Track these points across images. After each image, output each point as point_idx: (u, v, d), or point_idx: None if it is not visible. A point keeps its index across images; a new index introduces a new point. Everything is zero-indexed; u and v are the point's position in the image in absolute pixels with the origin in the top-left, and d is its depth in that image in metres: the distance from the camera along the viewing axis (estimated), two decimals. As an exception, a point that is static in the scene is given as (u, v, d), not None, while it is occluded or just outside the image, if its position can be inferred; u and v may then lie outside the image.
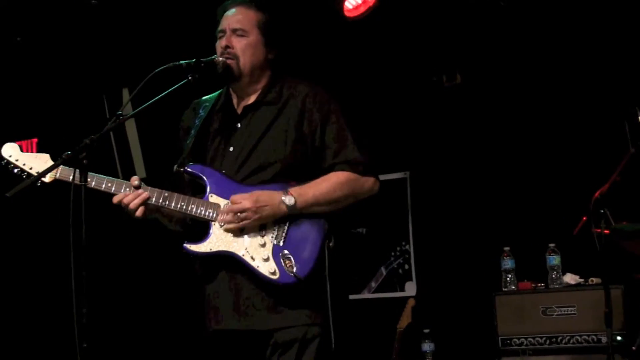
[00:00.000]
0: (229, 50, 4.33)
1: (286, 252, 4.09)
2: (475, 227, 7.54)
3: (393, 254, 8.13)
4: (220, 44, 4.37)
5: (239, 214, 4.08)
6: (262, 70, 4.43)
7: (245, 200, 4.08)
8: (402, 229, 8.10)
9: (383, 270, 8.15)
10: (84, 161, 3.65)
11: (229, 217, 4.11)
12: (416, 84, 7.92)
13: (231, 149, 4.33)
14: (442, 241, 7.75)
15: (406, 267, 8.05)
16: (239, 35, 4.36)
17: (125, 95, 8.59)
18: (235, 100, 4.48)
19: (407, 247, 8.06)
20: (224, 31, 4.39)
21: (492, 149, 7.57)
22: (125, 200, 4.16)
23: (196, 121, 4.49)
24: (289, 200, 4.08)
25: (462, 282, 7.53)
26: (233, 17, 4.41)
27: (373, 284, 8.17)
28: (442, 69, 7.78)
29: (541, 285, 6.68)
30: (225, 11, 4.46)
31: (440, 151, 7.82)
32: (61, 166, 4.11)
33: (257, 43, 4.39)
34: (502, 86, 7.56)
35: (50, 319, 8.57)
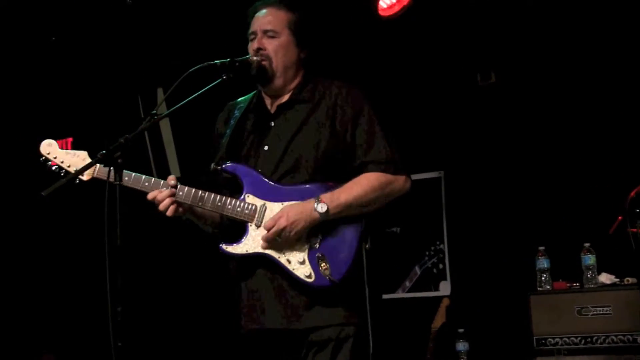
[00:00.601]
0: (261, 52, 4.33)
1: (322, 254, 4.08)
2: (510, 226, 7.51)
3: (427, 253, 8.10)
4: (252, 46, 4.37)
5: (277, 237, 4.09)
6: (294, 70, 4.43)
7: (279, 220, 4.07)
8: (437, 228, 8.08)
9: (417, 270, 8.13)
10: (119, 160, 3.66)
11: (269, 241, 4.13)
12: (450, 83, 7.88)
13: (266, 147, 4.33)
14: (476, 240, 7.72)
15: (440, 266, 8.03)
16: (270, 36, 4.36)
17: (160, 94, 8.62)
18: (268, 101, 4.48)
19: (441, 246, 8.04)
20: (255, 33, 4.39)
21: (526, 148, 7.53)
22: (159, 197, 4.17)
23: (231, 121, 4.50)
24: (321, 207, 4.06)
25: (496, 281, 7.50)
26: (263, 18, 4.41)
27: (407, 284, 8.15)
28: (477, 67, 7.73)
29: (576, 285, 6.64)
30: (255, 12, 4.46)
31: (475, 150, 7.79)
32: (99, 165, 4.13)
33: (288, 43, 4.39)
34: (536, 85, 7.52)
35: (86, 318, 8.60)
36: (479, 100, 7.75)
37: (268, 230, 4.08)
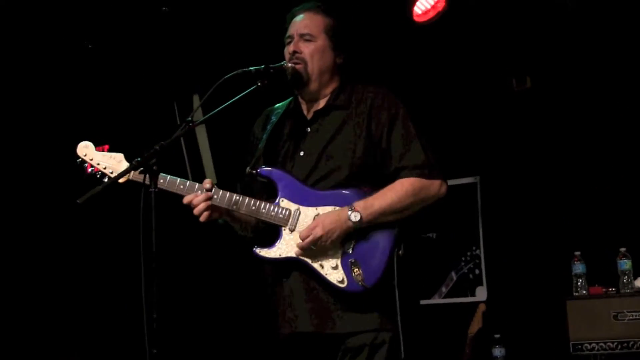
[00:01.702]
0: (297, 55, 4.34)
1: (355, 260, 4.07)
2: (545, 231, 7.46)
3: (463, 258, 8.07)
4: (288, 49, 4.38)
5: (312, 247, 4.09)
6: (330, 74, 4.43)
7: (314, 229, 4.07)
8: (473, 234, 8.04)
9: (453, 275, 8.10)
10: (154, 167, 3.65)
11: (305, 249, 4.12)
12: (486, 88, 7.84)
13: (302, 153, 4.33)
14: (512, 246, 7.67)
15: (477, 272, 7.99)
16: (306, 40, 4.37)
17: (196, 101, 8.64)
18: (304, 106, 4.48)
19: (477, 251, 8.00)
20: (291, 37, 4.41)
21: (562, 153, 7.48)
22: (195, 201, 4.18)
23: (268, 127, 4.51)
24: (354, 217, 4.05)
25: (532, 286, 7.45)
26: (301, 22, 4.42)
27: (444, 289, 8.12)
28: (512, 73, 7.70)
29: (612, 290, 6.57)
30: (293, 17, 4.48)
31: (511, 155, 7.74)
32: (133, 171, 4.13)
33: (324, 48, 4.39)
34: (572, 89, 7.46)
35: (121, 325, 8.63)
36: (515, 106, 7.71)
37: (303, 240, 4.07)
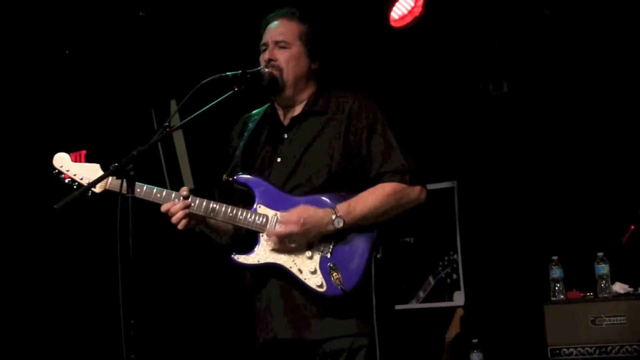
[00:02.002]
0: (272, 63, 4.35)
1: (333, 264, 4.08)
2: (523, 236, 7.49)
3: (441, 263, 8.09)
4: (264, 57, 4.40)
5: (286, 239, 4.09)
6: (306, 81, 4.44)
7: (292, 224, 4.07)
8: (450, 239, 8.07)
9: (431, 280, 8.12)
10: (131, 172, 3.66)
11: (275, 239, 4.12)
12: (463, 93, 7.87)
13: (279, 159, 4.34)
14: (490, 250, 7.70)
15: (454, 276, 8.01)
16: (281, 47, 4.38)
17: (173, 106, 8.63)
18: (281, 112, 4.49)
19: (455, 256, 8.02)
20: (266, 44, 4.42)
21: (539, 158, 7.51)
22: (173, 210, 4.18)
23: (245, 134, 4.52)
24: (337, 222, 4.06)
25: (510, 291, 7.48)
26: (275, 29, 4.43)
27: (421, 294, 8.14)
28: (489, 77, 7.72)
29: (590, 295, 6.60)
30: (267, 24, 4.50)
31: (488, 160, 7.77)
32: (111, 177, 4.13)
33: (299, 54, 4.40)
34: (548, 94, 7.50)
35: (98, 330, 8.60)
36: (492, 110, 7.74)
37: (281, 225, 4.08)
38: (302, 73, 4.41)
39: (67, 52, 8.01)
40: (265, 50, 4.42)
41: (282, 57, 4.37)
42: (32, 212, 8.57)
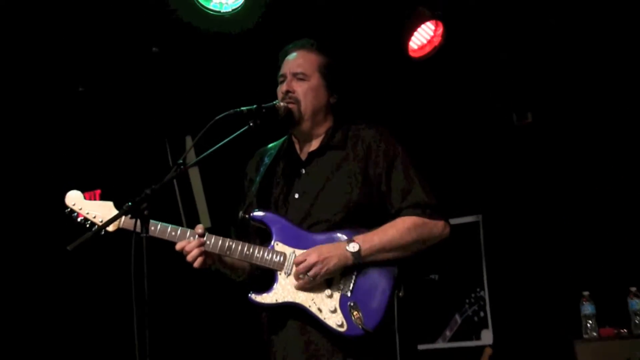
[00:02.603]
0: (290, 95, 4.36)
1: (354, 302, 4.07)
2: (552, 271, 7.45)
3: (467, 300, 8.05)
4: (281, 89, 4.41)
5: (307, 273, 4.08)
6: (324, 114, 4.46)
7: (309, 256, 4.07)
8: (476, 275, 8.03)
9: (458, 318, 8.08)
10: (145, 212, 3.66)
11: (299, 277, 4.11)
12: (486, 124, 7.87)
13: (296, 195, 4.35)
14: (518, 286, 7.65)
15: (481, 314, 7.97)
16: (299, 79, 4.40)
17: (188, 142, 8.67)
18: (298, 146, 4.50)
19: (481, 293, 7.99)
20: (284, 75, 4.44)
21: (567, 190, 7.48)
22: (188, 248, 4.19)
23: (261, 169, 4.52)
24: (352, 247, 4.07)
25: (540, 329, 7.43)
26: (294, 61, 4.45)
27: (448, 333, 8.10)
28: (513, 108, 7.72)
29: (624, 331, 6.56)
30: (286, 55, 4.51)
31: (513, 193, 7.75)
32: (124, 216, 4.15)
33: (318, 87, 4.42)
34: (575, 124, 7.48)
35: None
36: (516, 141, 7.72)
37: (297, 265, 4.08)
38: (321, 106, 4.43)
39: (81, 89, 8.05)
40: (283, 82, 4.44)
41: (300, 89, 4.39)
42: (45, 252, 8.58)
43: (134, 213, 3.67)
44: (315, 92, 4.41)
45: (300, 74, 4.42)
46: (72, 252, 3.57)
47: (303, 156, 4.45)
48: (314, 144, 4.45)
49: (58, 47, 7.33)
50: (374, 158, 4.32)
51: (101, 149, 8.82)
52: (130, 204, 3.68)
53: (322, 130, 4.45)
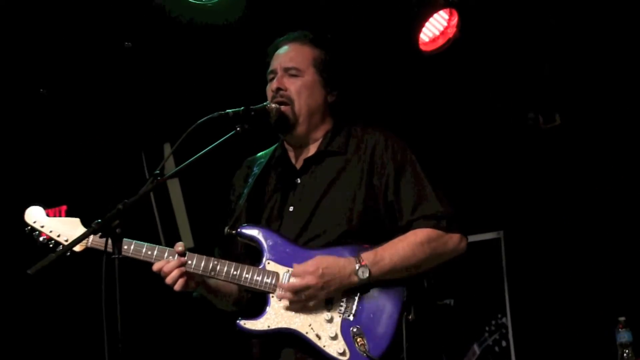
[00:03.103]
0: (281, 92, 4.36)
1: (357, 328, 4.07)
2: (584, 294, 7.44)
3: (487, 328, 8.06)
4: (271, 86, 4.41)
5: (302, 293, 4.07)
6: (321, 115, 4.46)
7: (308, 275, 4.06)
8: (497, 299, 8.04)
9: (476, 349, 8.09)
10: (117, 230, 3.64)
11: (289, 295, 4.10)
12: (508, 126, 7.86)
13: (291, 208, 4.35)
14: (544, 312, 7.65)
15: (503, 344, 7.98)
16: (292, 75, 4.40)
17: (167, 150, 8.67)
18: (292, 153, 4.50)
19: (503, 320, 7.99)
20: (274, 71, 4.44)
21: (600, 203, 7.47)
22: (166, 269, 4.17)
23: (250, 180, 4.52)
24: (362, 273, 4.05)
25: (571, 359, 7.43)
26: (285, 55, 4.46)
27: (465, 365, 8.12)
28: (538, 108, 7.72)
29: (666, 362, 6.58)
30: (276, 49, 4.52)
31: (539, 206, 7.75)
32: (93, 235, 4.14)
33: (313, 83, 4.42)
34: (608, 126, 7.47)
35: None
36: (542, 147, 7.72)
37: (296, 277, 4.07)
38: (317, 105, 4.43)
39: (42, 90, 8.05)
40: (273, 79, 4.44)
41: (293, 87, 4.39)
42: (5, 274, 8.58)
43: (104, 231, 3.66)
44: (311, 90, 4.42)
45: (292, 69, 4.43)
46: (34, 276, 3.55)
47: (298, 164, 4.46)
48: (311, 150, 4.45)
49: (15, 42, 7.31)
50: (379, 164, 4.33)
51: (66, 158, 8.80)
52: (99, 221, 3.66)
53: (319, 133, 4.46)
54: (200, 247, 4.41)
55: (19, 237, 4.55)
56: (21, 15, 6.94)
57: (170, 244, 4.29)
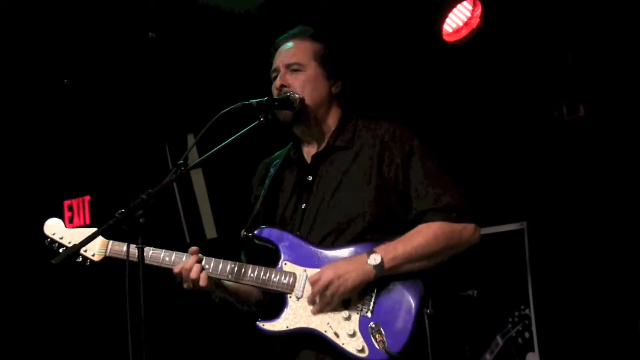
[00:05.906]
0: (285, 89, 4.34)
1: (375, 324, 4.06)
2: (609, 286, 7.39)
3: (510, 320, 8.03)
4: (275, 84, 4.41)
5: (324, 292, 4.04)
6: (327, 106, 4.47)
7: (324, 273, 4.05)
8: (521, 290, 8.00)
9: (499, 340, 8.06)
10: (141, 220, 3.63)
11: (315, 300, 4.10)
12: (531, 118, 7.81)
13: (304, 206, 4.34)
14: (568, 303, 7.61)
15: (526, 335, 7.94)
16: (294, 70, 4.43)
17: (190, 141, 8.66)
18: (304, 149, 4.52)
19: (527, 311, 7.95)
20: (277, 69, 4.47)
21: (626, 192, 7.41)
22: (187, 265, 4.21)
23: (266, 181, 4.51)
24: (374, 259, 4.05)
25: (594, 353, 7.38)
26: (286, 52, 4.50)
27: (488, 357, 8.08)
28: (563, 99, 7.66)
29: (694, 356, 6.53)
30: (277, 48, 4.52)
31: (563, 196, 7.70)
32: (111, 242, 4.15)
33: (316, 76, 4.45)
34: (632, 119, 7.40)
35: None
36: (566, 138, 7.66)
37: (313, 284, 4.04)
38: (322, 98, 4.45)
39: (66, 81, 8.05)
40: (276, 77, 4.45)
41: (297, 82, 4.41)
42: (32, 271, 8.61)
43: (128, 222, 3.63)
44: (314, 83, 4.43)
45: (294, 65, 4.46)
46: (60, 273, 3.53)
47: (309, 160, 4.44)
48: (321, 145, 4.48)
49: (39, 34, 7.31)
50: (388, 155, 4.33)
51: (90, 149, 8.81)
52: (124, 210, 3.64)
53: (328, 126, 4.49)
54: (223, 238, 4.39)
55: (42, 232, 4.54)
56: (47, 7, 6.95)
57: (194, 235, 4.30)
